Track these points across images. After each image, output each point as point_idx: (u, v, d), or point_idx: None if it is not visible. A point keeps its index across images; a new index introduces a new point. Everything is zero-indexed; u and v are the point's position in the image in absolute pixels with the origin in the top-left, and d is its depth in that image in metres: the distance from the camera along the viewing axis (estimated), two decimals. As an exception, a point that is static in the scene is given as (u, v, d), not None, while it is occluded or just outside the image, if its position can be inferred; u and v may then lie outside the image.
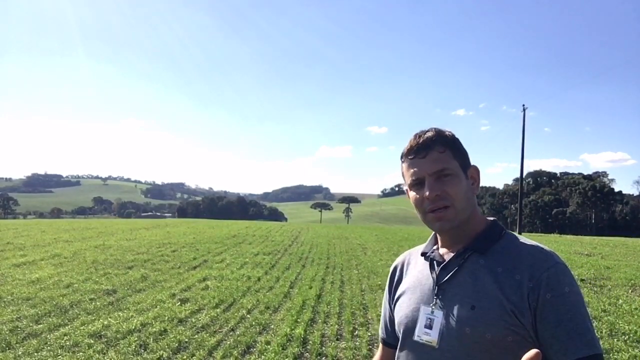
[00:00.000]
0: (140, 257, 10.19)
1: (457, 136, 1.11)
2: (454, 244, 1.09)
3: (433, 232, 1.17)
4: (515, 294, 0.94)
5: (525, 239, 1.06)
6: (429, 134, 1.06)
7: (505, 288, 0.95)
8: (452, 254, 1.08)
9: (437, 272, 1.08)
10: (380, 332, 1.28)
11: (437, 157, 1.03)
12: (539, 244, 1.01)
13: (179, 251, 11.53)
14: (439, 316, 1.02)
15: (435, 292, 1.05)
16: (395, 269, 1.27)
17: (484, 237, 1.06)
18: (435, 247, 1.16)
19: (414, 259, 1.23)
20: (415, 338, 1.05)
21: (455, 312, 1.00)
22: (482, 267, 1.01)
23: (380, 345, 1.27)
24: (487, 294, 0.97)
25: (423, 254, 1.17)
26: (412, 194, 1.08)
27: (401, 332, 1.11)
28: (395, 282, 1.24)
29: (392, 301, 1.21)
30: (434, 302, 1.04)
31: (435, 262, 1.11)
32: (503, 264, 0.99)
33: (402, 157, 1.12)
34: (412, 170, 1.06)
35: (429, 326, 1.03)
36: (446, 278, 1.05)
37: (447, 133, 1.08)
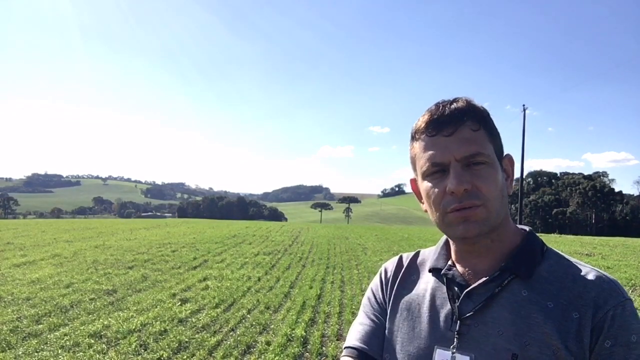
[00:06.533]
0: (140, 257, 10.19)
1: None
2: (479, 259, 0.78)
3: (443, 240, 0.87)
4: (575, 339, 0.68)
5: (574, 259, 0.78)
6: (459, 103, 0.76)
7: (562, 331, 0.68)
8: (479, 276, 0.77)
9: (459, 300, 0.77)
10: (357, 342, 0.84)
11: (470, 136, 0.73)
12: (597, 269, 0.74)
13: (179, 251, 11.53)
14: None
15: (457, 328, 0.75)
16: (387, 271, 0.93)
17: (524, 255, 0.76)
18: (449, 263, 0.83)
19: (418, 269, 0.90)
20: None
21: None
22: (526, 300, 0.72)
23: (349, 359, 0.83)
24: (535, 339, 0.69)
25: (434, 270, 0.84)
26: (425, 185, 0.77)
27: None
28: (389, 287, 0.90)
29: (389, 306, 0.88)
30: (454, 344, 0.74)
31: (455, 284, 0.79)
32: (554, 296, 0.71)
33: (414, 135, 0.80)
34: (431, 152, 0.75)
35: None
36: (473, 311, 0.74)
37: (480, 105, 0.78)
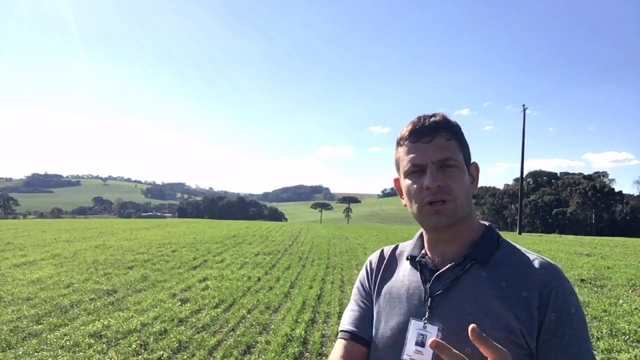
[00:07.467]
0: (140, 257, 10.18)
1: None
2: (447, 247, 0.96)
3: (419, 233, 1.07)
4: (524, 312, 0.85)
5: (523, 248, 0.97)
6: (437, 117, 0.95)
7: (513, 305, 0.85)
8: (447, 262, 0.95)
9: (430, 282, 0.95)
10: (348, 326, 1.04)
11: (444, 144, 0.92)
12: (542, 256, 0.93)
13: (179, 251, 11.53)
14: (432, 332, 0.90)
15: (428, 304, 0.92)
16: (371, 263, 1.12)
17: (483, 245, 0.95)
18: (423, 251, 1.01)
19: (396, 259, 1.09)
20: (405, 357, 0.91)
21: (453, 329, 0.88)
22: (484, 280, 0.90)
23: (344, 341, 1.03)
24: (491, 312, 0.86)
25: (410, 258, 1.03)
26: (406, 182, 0.96)
27: (383, 347, 0.97)
28: (374, 276, 1.09)
29: (374, 293, 1.06)
30: (426, 316, 0.92)
31: (427, 269, 0.97)
32: (507, 277, 0.89)
33: (399, 141, 0.99)
34: (412, 155, 0.94)
35: (421, 343, 0.89)
36: (442, 290, 0.92)
37: (454, 121, 0.98)
